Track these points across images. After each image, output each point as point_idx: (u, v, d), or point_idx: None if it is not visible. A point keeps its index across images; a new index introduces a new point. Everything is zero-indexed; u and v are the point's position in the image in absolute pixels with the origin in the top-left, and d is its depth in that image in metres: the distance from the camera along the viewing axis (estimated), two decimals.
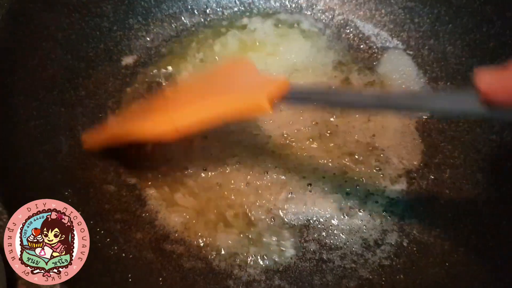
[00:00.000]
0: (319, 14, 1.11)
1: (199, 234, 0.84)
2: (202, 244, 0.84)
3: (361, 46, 1.07)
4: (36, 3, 0.88)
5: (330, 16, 1.11)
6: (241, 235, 0.84)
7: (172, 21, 1.07)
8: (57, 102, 0.88)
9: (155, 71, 1.01)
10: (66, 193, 0.80)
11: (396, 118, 0.97)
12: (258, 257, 0.83)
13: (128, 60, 1.00)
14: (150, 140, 0.86)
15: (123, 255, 0.78)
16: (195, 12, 1.09)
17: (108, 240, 0.79)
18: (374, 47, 1.07)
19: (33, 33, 0.87)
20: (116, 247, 0.78)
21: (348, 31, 1.09)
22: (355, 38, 1.08)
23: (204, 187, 0.89)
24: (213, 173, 0.90)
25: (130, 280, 0.76)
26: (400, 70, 1.04)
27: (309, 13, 1.12)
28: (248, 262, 0.82)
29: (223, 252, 0.83)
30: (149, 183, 0.89)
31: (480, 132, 0.91)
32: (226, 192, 0.88)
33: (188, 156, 0.92)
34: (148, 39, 1.04)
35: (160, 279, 0.79)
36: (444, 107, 0.63)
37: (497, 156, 0.88)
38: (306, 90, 0.75)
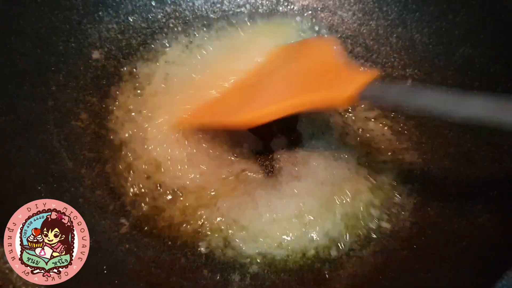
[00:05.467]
0: (291, 6, 1.12)
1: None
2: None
3: (331, 35, 1.08)
4: None
5: (300, 7, 1.12)
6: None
7: (143, 13, 1.06)
8: (28, 97, 0.87)
9: (126, 63, 1.01)
10: (39, 187, 0.80)
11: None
12: None
13: (98, 53, 0.99)
14: (230, 128, 0.84)
15: (97, 247, 0.79)
16: (166, 3, 1.08)
17: None
18: (344, 35, 1.08)
19: (2, 28, 0.87)
20: (91, 240, 0.79)
21: (318, 20, 1.10)
22: (325, 27, 1.09)
23: None
24: None
25: (105, 272, 0.76)
26: None
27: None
28: None
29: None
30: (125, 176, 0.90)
31: None
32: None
33: None
34: (119, 31, 1.03)
35: (135, 273, 0.80)
36: None
37: (463, 140, 0.90)
38: (395, 89, 0.68)
